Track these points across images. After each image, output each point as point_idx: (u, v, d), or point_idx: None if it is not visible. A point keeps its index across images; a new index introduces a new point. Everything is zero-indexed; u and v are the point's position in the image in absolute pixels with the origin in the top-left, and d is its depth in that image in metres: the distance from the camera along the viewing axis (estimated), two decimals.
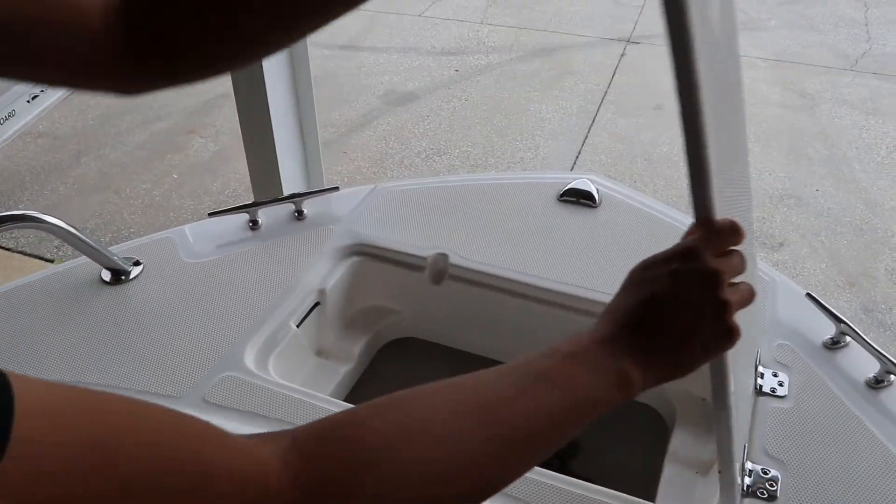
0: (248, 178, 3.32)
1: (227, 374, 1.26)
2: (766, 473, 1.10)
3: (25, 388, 0.39)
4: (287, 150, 2.86)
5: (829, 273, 3.63)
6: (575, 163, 4.50)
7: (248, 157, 2.93)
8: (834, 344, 1.33)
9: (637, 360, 0.63)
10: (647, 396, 1.44)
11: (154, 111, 5.02)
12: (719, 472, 0.99)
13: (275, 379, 1.26)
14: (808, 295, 1.37)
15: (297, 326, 1.40)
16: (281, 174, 2.84)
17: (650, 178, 4.35)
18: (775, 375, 1.26)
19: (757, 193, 4.20)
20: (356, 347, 1.52)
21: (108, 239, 3.90)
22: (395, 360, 1.60)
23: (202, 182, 4.38)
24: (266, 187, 2.93)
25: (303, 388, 1.24)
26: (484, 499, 0.58)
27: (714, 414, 0.78)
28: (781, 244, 3.82)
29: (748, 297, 0.67)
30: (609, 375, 0.62)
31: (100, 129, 4.84)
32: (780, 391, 1.23)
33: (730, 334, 0.65)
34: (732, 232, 0.66)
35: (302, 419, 1.22)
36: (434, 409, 0.59)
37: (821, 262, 3.70)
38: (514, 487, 1.06)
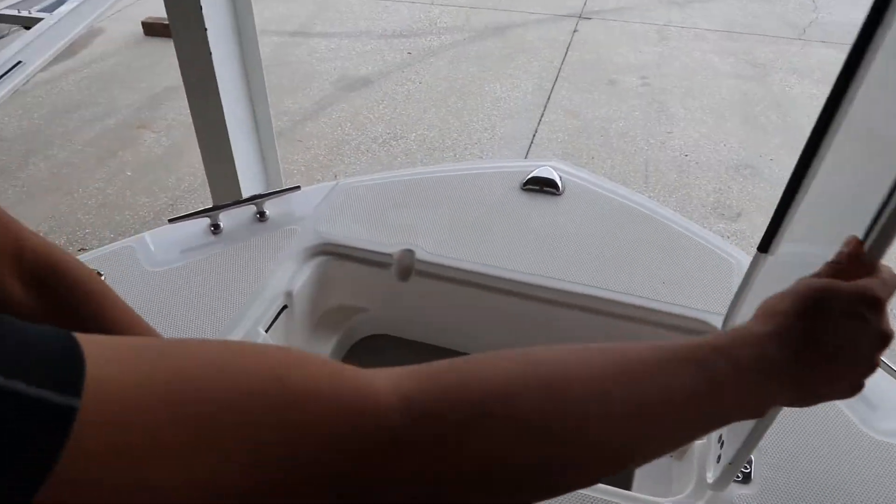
0: (204, 172, 3.28)
1: None
2: None
3: (90, 340, 0.39)
4: (242, 145, 2.82)
5: None
6: (532, 142, 4.51)
7: (202, 154, 2.88)
8: None
9: (779, 378, 0.61)
10: None
11: (102, 107, 4.92)
12: (729, 463, 1.00)
13: None
14: None
15: (266, 332, 1.38)
16: (237, 169, 2.80)
17: (607, 153, 4.38)
18: None
19: (713, 164, 4.26)
20: (326, 348, 1.51)
21: (62, 241, 3.82)
22: (366, 358, 1.59)
23: (157, 178, 4.30)
24: (223, 182, 2.89)
25: None
26: (595, 476, 0.54)
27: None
28: (739, 214, 3.88)
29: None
30: (746, 381, 0.59)
31: (47, 128, 4.73)
32: None
33: (858, 390, 0.65)
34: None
35: None
36: (572, 361, 0.55)
37: None
38: None
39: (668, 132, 4.56)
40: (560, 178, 1.66)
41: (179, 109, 4.64)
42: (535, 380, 0.52)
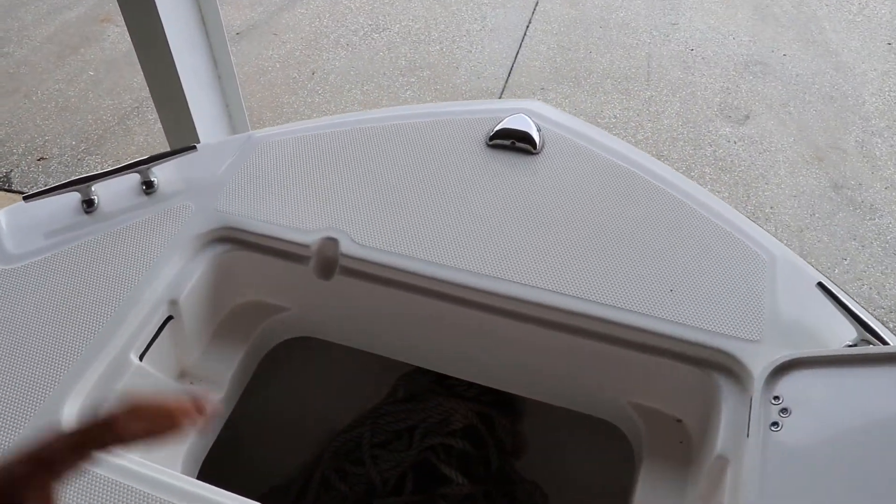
0: None
1: None
2: None
3: None
4: (188, 58, 2.34)
5: (796, 147, 3.24)
6: (525, 34, 3.98)
7: (145, 75, 2.41)
8: None
9: None
10: (607, 412, 1.07)
11: None
12: None
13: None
14: (820, 285, 0.98)
15: (141, 359, 0.99)
16: (184, 88, 2.33)
17: (606, 47, 3.86)
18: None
19: (721, 60, 3.74)
20: (233, 357, 1.12)
21: (21, 150, 3.39)
22: (288, 366, 1.21)
23: (121, 77, 3.82)
24: (168, 103, 2.43)
25: (142, 467, 0.86)
26: None
27: None
28: (747, 117, 3.41)
29: None
30: None
31: (1, 22, 4.19)
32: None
33: None
34: None
35: None
36: None
37: (788, 135, 3.30)
38: None
39: (674, 23, 4.01)
40: (538, 129, 1.22)
41: None
42: None
